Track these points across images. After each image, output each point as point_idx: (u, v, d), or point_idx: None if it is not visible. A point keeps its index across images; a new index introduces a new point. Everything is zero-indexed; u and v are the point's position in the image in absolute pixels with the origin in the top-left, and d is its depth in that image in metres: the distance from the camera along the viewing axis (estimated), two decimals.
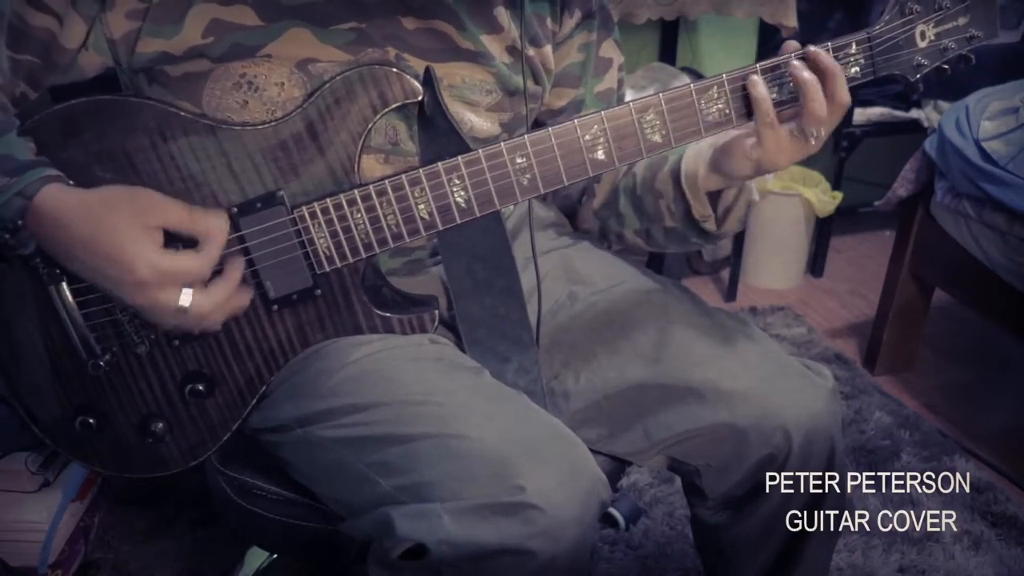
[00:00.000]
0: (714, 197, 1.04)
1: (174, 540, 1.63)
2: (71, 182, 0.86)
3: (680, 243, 1.11)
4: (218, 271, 0.89)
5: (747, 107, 0.92)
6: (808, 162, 2.78)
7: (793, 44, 0.92)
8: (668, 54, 2.63)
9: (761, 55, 2.33)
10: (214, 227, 0.87)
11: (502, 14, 1.03)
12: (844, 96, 0.90)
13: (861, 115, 2.66)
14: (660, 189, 1.06)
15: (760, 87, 0.91)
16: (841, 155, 2.68)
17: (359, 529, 0.92)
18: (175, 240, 0.86)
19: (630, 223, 1.14)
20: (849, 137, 2.64)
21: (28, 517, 1.48)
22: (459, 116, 1.01)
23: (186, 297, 0.85)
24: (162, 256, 0.84)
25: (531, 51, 1.06)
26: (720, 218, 1.05)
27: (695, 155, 1.02)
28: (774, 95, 0.91)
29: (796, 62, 0.90)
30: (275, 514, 1.05)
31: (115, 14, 0.92)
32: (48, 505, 1.49)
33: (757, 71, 0.91)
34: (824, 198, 2.60)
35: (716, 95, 0.93)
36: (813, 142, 0.92)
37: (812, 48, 0.90)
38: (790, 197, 2.62)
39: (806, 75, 0.89)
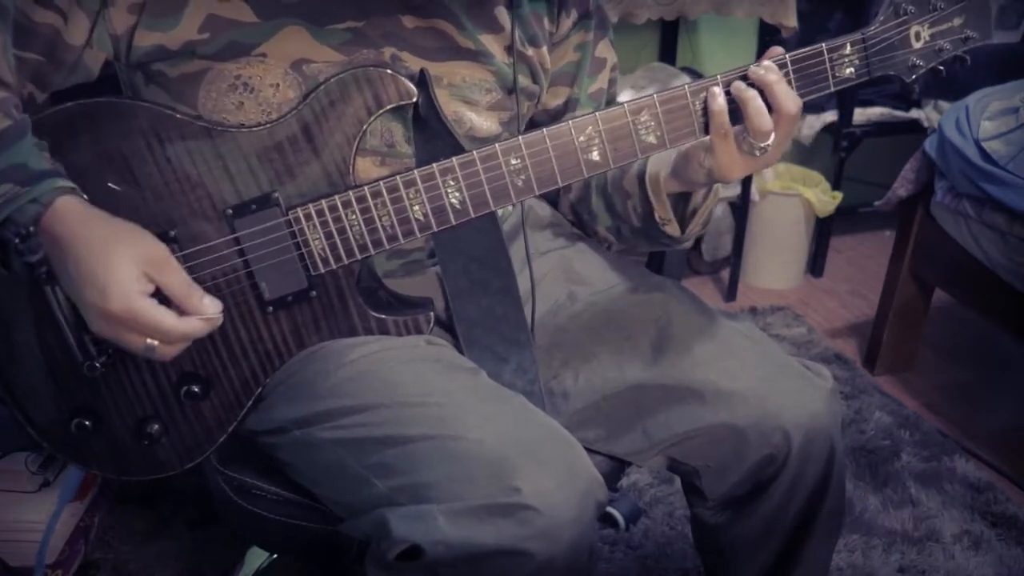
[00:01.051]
0: (684, 197, 1.05)
1: (174, 540, 1.63)
2: (84, 196, 0.86)
3: (648, 243, 1.12)
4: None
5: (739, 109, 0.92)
6: (808, 162, 2.79)
7: (778, 49, 0.92)
8: (668, 54, 2.63)
9: (761, 55, 2.34)
10: (207, 310, 0.87)
11: (502, 14, 1.03)
12: (786, 105, 0.90)
13: (861, 115, 2.65)
14: (628, 189, 1.07)
15: (719, 100, 0.91)
16: (841, 155, 2.67)
17: (357, 530, 0.93)
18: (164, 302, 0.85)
19: (602, 220, 1.15)
20: (849, 137, 2.64)
21: (28, 517, 1.48)
22: (459, 115, 1.02)
23: (152, 344, 0.85)
24: (141, 300, 0.83)
25: (530, 51, 1.06)
26: (687, 217, 1.05)
27: (659, 158, 1.02)
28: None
29: (739, 82, 0.91)
30: (275, 514, 1.05)
31: (117, 9, 0.92)
32: (48, 505, 1.49)
33: (748, 73, 0.91)
34: (824, 198, 2.60)
35: (716, 86, 0.92)
36: (759, 155, 0.92)
37: (751, 68, 0.91)
38: (790, 197, 2.61)
39: (747, 92, 0.90)
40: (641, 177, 1.04)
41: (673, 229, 1.05)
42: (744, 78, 0.91)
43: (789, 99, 0.90)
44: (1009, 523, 1.75)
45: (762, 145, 0.91)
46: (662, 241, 1.08)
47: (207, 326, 0.88)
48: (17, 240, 0.81)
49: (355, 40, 0.96)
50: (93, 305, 0.83)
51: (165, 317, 0.84)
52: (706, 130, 0.93)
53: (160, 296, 0.85)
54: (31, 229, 0.81)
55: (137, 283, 0.83)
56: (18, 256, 0.83)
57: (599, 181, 1.13)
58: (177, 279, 0.86)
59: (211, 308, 0.87)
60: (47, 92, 0.96)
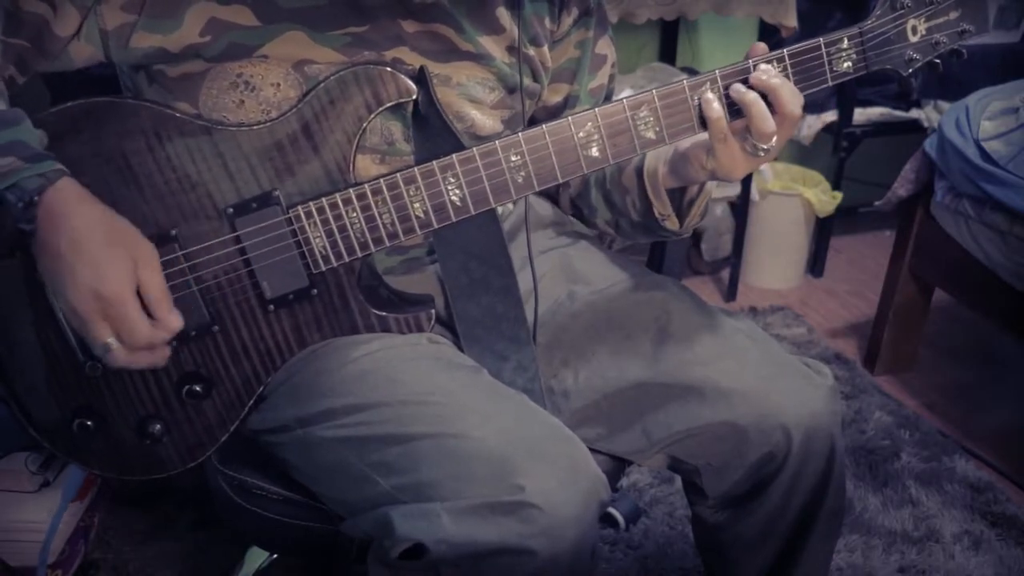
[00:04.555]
0: (679, 190, 1.05)
1: (174, 540, 1.63)
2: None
3: (648, 235, 1.12)
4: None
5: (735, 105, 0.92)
6: (808, 162, 2.80)
7: (761, 46, 0.92)
8: (668, 54, 2.64)
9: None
10: (172, 322, 0.86)
11: (503, 15, 1.03)
12: (789, 108, 0.90)
13: (861, 115, 2.65)
14: (626, 185, 1.07)
15: (715, 106, 0.91)
16: (841, 155, 2.67)
17: (359, 529, 0.92)
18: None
19: (601, 214, 1.16)
20: (849, 137, 2.64)
21: (28, 517, 1.48)
22: (463, 114, 1.02)
23: (114, 341, 0.84)
24: (130, 295, 0.83)
25: (531, 51, 1.06)
26: (684, 210, 1.06)
27: (657, 153, 1.03)
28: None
29: (738, 85, 0.91)
30: (275, 514, 1.05)
31: (110, 6, 0.92)
32: (48, 505, 1.49)
33: (750, 67, 0.92)
34: (824, 198, 2.60)
35: (710, 91, 0.93)
36: (762, 155, 0.92)
37: (752, 73, 0.91)
38: (790, 197, 2.62)
39: (749, 96, 0.90)
40: (639, 173, 1.04)
41: (672, 224, 1.06)
42: (745, 82, 0.91)
43: (793, 101, 0.90)
44: (1009, 523, 1.75)
45: (765, 146, 0.91)
46: (661, 234, 1.09)
47: (166, 338, 0.87)
48: (21, 205, 0.81)
49: (356, 43, 0.96)
50: (83, 282, 0.82)
51: (142, 319, 0.84)
52: (704, 126, 0.93)
53: None
54: (34, 199, 0.81)
55: (129, 274, 0.83)
56: (14, 221, 0.82)
57: (598, 176, 1.13)
58: (159, 281, 0.86)
59: (175, 322, 0.87)
60: (27, 76, 0.96)
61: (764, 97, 0.90)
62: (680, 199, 1.06)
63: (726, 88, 0.92)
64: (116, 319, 0.83)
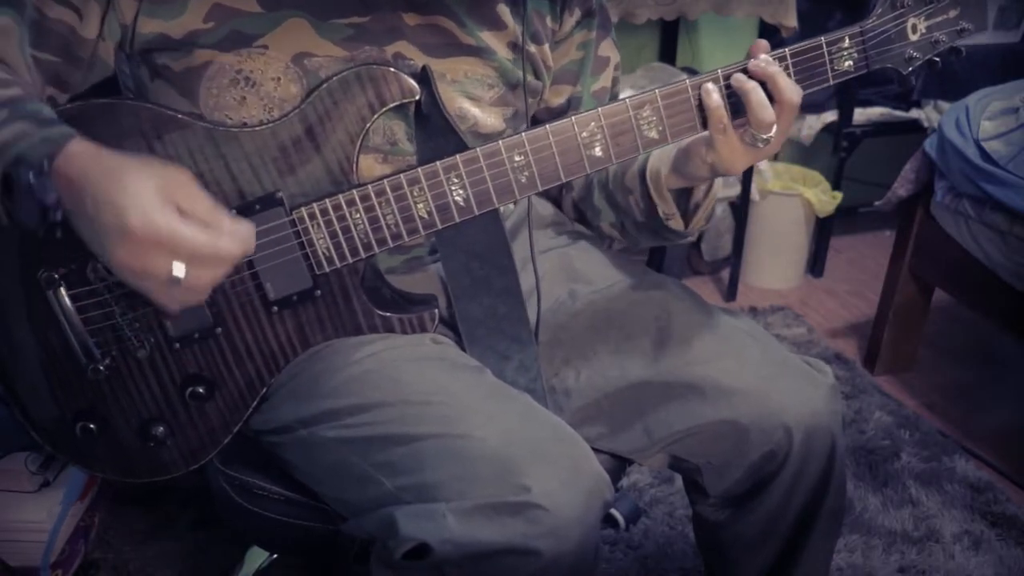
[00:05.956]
0: (685, 193, 1.05)
1: (174, 540, 1.63)
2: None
3: (652, 237, 1.12)
4: None
5: (739, 105, 0.92)
6: (808, 162, 2.80)
7: (764, 43, 0.93)
8: (668, 54, 2.64)
9: None
10: (241, 230, 0.80)
11: (504, 12, 1.03)
12: (788, 95, 0.90)
13: (861, 115, 2.65)
14: (629, 186, 1.07)
15: (714, 96, 0.91)
16: (841, 155, 2.68)
17: (362, 529, 0.92)
18: None
19: (605, 216, 1.15)
20: (849, 137, 2.64)
21: (28, 517, 1.48)
22: (463, 111, 1.02)
23: (179, 268, 0.76)
24: (161, 213, 0.75)
25: (532, 48, 1.06)
26: (690, 214, 1.06)
27: (659, 154, 1.03)
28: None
29: (739, 74, 0.91)
30: (276, 514, 1.05)
31: None
32: (48, 505, 1.49)
33: (748, 67, 0.92)
34: (824, 198, 2.61)
35: (710, 83, 0.93)
36: (762, 147, 0.92)
37: (751, 62, 0.91)
38: (790, 197, 2.62)
39: (748, 84, 0.90)
40: (642, 173, 1.05)
41: (677, 224, 1.05)
42: (744, 71, 0.91)
43: (791, 89, 0.90)
44: (1009, 523, 1.75)
45: (764, 136, 0.91)
46: (666, 236, 1.09)
47: (239, 247, 0.80)
48: (31, 176, 0.75)
49: (357, 36, 0.96)
50: (112, 228, 0.75)
51: (190, 229, 0.76)
52: (705, 125, 0.93)
53: None
54: (44, 166, 0.76)
55: (157, 198, 0.76)
56: (31, 197, 0.76)
57: (601, 178, 1.13)
58: (201, 203, 0.79)
59: (243, 229, 0.80)
60: (68, 93, 0.95)
61: (763, 87, 0.90)
62: (685, 203, 1.06)
63: (726, 81, 0.92)
64: (166, 247, 0.76)
